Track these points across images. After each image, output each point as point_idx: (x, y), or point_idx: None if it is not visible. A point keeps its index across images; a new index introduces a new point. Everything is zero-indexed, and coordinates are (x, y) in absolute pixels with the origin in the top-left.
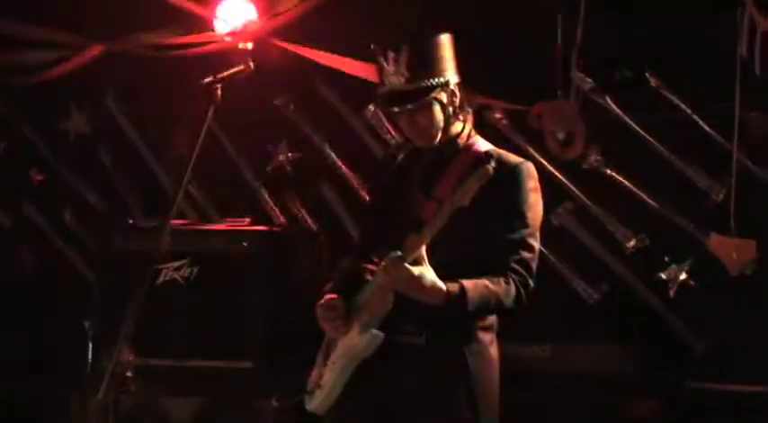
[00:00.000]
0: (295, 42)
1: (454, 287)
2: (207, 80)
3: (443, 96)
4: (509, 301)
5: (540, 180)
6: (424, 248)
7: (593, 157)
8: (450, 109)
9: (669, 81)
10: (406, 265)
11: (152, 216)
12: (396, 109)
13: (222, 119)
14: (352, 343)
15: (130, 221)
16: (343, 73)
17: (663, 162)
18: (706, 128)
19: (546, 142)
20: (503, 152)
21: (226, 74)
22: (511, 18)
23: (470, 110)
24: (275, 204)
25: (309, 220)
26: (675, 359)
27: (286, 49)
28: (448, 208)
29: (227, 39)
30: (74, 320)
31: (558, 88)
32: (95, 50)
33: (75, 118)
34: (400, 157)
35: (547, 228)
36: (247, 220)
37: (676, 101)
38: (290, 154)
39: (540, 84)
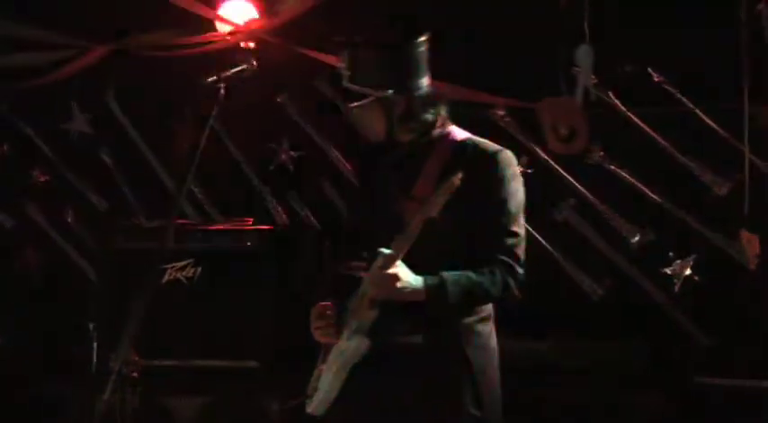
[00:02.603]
0: (296, 40)
1: (433, 281)
2: (210, 79)
3: (384, 102)
4: (496, 291)
5: (544, 176)
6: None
7: (597, 153)
8: (399, 113)
9: (671, 75)
10: (386, 271)
11: (154, 216)
12: (345, 103)
13: (224, 118)
14: (342, 348)
15: (133, 221)
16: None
17: (666, 157)
18: (709, 122)
19: (546, 139)
20: (480, 140)
21: (229, 73)
22: (513, 15)
23: (440, 105)
24: (278, 203)
25: (312, 219)
26: (680, 354)
27: (287, 48)
28: (420, 218)
29: (229, 38)
30: (77, 320)
31: (562, 84)
32: (98, 52)
33: (77, 118)
34: (374, 151)
35: (550, 223)
36: (250, 219)
37: (678, 95)
38: (291, 152)
39: (544, 80)
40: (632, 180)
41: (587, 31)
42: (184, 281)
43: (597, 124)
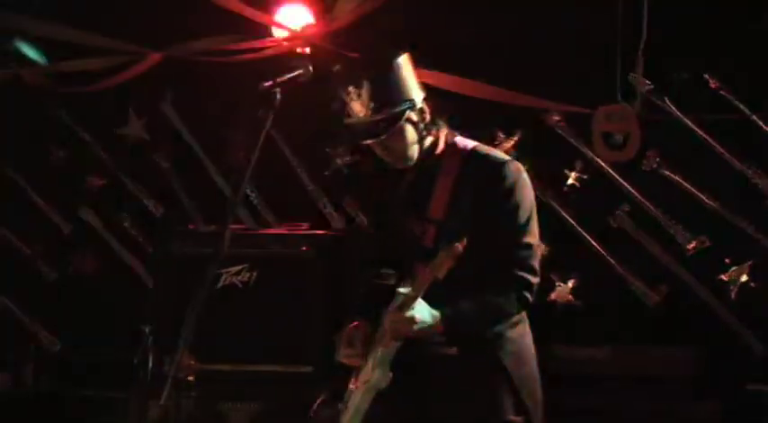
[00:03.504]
0: (351, 46)
1: (449, 316)
2: (266, 85)
3: (413, 116)
4: (513, 308)
5: (599, 182)
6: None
7: (652, 159)
8: (422, 126)
9: (728, 82)
10: (403, 315)
11: (210, 221)
12: (369, 141)
13: (280, 123)
14: (367, 377)
15: (189, 226)
16: None
17: (722, 163)
18: (765, 128)
19: (594, 146)
20: (488, 150)
21: (284, 78)
22: (570, 22)
23: (443, 120)
24: (333, 208)
25: (367, 223)
26: (735, 362)
27: (343, 53)
28: (428, 278)
29: (285, 43)
30: (133, 325)
31: (619, 91)
32: (155, 58)
33: (133, 124)
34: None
35: (606, 230)
36: (306, 224)
37: (735, 102)
38: (347, 157)
39: (601, 87)
40: (688, 186)
41: (644, 37)
42: (240, 285)
43: (653, 131)
